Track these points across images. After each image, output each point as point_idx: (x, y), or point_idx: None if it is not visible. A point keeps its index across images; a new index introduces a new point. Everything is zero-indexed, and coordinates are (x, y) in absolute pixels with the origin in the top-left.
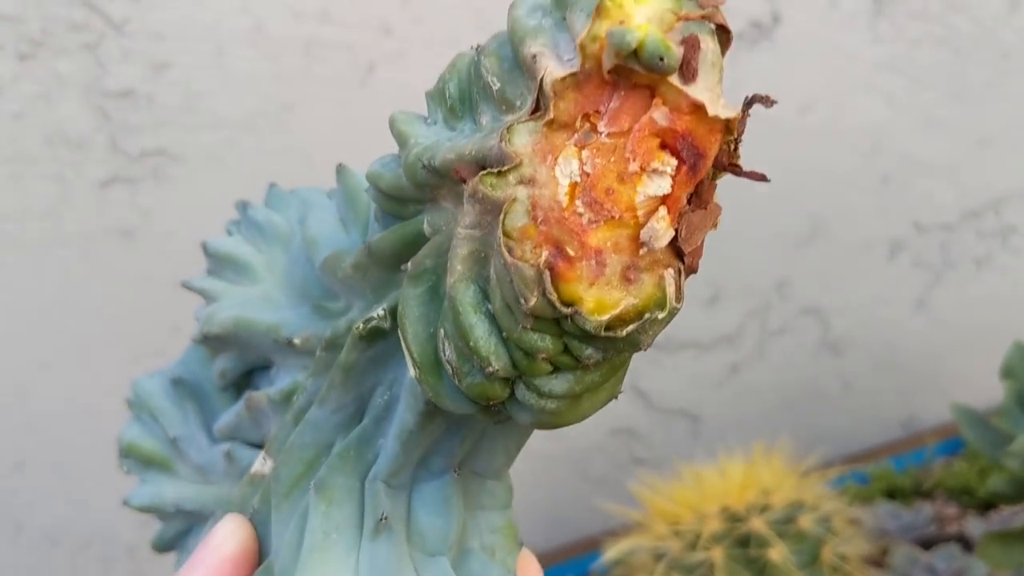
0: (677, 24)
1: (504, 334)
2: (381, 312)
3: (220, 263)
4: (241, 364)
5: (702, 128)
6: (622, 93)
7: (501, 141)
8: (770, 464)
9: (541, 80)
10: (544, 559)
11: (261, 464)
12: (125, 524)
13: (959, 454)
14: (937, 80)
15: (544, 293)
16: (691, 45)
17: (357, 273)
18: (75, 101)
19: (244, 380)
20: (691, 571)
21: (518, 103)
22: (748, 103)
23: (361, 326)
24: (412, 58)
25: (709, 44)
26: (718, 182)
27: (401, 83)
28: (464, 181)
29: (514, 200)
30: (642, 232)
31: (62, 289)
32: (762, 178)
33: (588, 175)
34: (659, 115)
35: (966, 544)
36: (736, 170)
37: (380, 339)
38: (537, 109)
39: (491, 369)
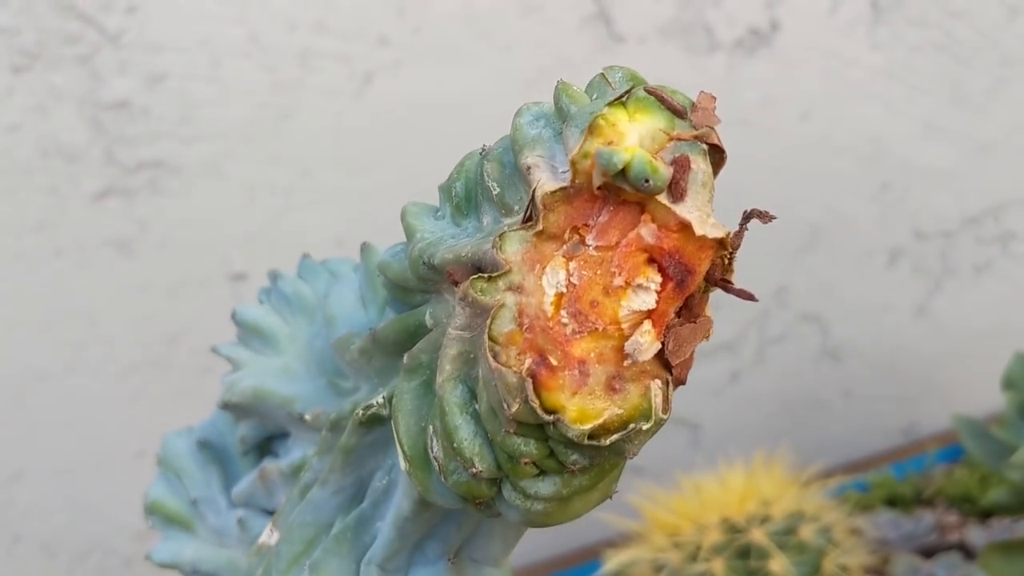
0: (669, 144)
1: (489, 436)
2: (380, 399)
3: (248, 332)
4: (261, 432)
5: (691, 246)
6: (611, 208)
7: (493, 247)
8: (770, 474)
9: (533, 192)
10: (543, 569)
11: (268, 535)
12: (123, 535)
13: (960, 461)
14: (936, 87)
15: (526, 400)
16: (681, 165)
17: (363, 357)
18: (70, 113)
19: (266, 444)
20: None
21: (516, 207)
22: (746, 218)
23: (361, 412)
24: (409, 68)
25: (700, 164)
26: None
27: (398, 93)
28: (456, 284)
29: (502, 306)
30: (626, 345)
31: (58, 300)
32: (750, 297)
33: (574, 286)
34: (647, 232)
35: (967, 552)
36: (727, 286)
37: (379, 425)
38: (529, 219)
39: (475, 470)
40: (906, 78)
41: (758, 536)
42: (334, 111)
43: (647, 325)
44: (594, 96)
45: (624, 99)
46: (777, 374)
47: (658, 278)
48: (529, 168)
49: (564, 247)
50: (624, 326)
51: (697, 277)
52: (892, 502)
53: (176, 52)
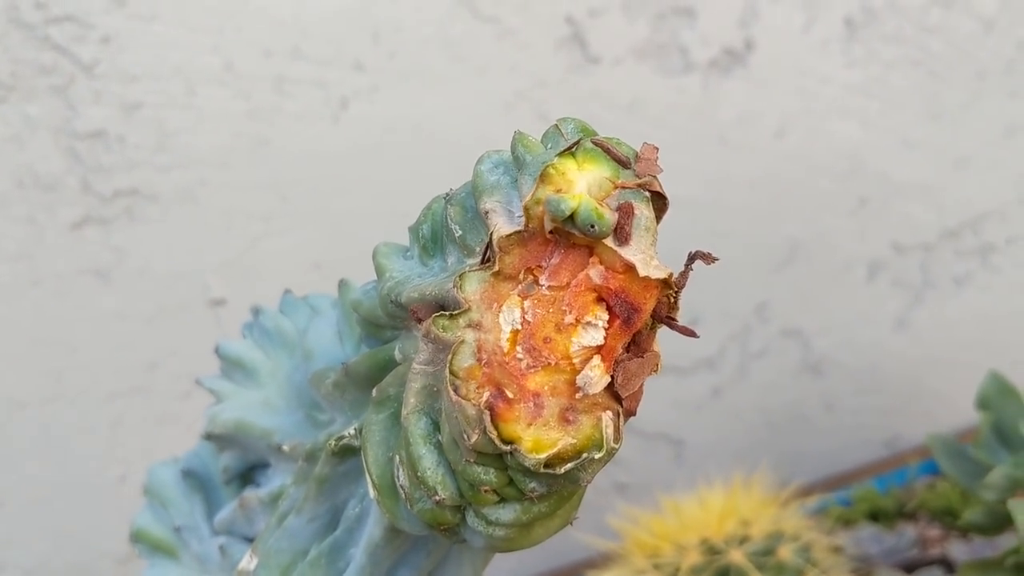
0: (614, 191)
1: (452, 465)
2: (352, 431)
3: (231, 366)
4: (242, 462)
5: (635, 286)
6: (563, 251)
7: (454, 287)
8: (750, 493)
9: (490, 235)
10: None
11: (247, 561)
12: (106, 561)
13: (942, 474)
14: (913, 102)
15: (485, 431)
16: (625, 212)
17: (336, 391)
18: (46, 143)
19: (248, 474)
20: None
21: (478, 249)
22: (690, 259)
23: (333, 443)
24: (385, 93)
25: (643, 211)
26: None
27: (374, 118)
28: (420, 321)
29: (462, 342)
30: (578, 378)
31: (37, 329)
32: (691, 333)
33: (529, 323)
34: (595, 273)
35: (948, 567)
36: (671, 323)
37: (351, 455)
38: (487, 260)
39: (438, 498)
40: (881, 94)
41: (736, 557)
42: (310, 136)
43: (596, 360)
44: (548, 146)
45: (573, 150)
46: (759, 389)
47: (606, 316)
48: (488, 212)
49: (519, 287)
50: (575, 361)
51: (643, 315)
52: (875, 516)
53: (151, 81)
